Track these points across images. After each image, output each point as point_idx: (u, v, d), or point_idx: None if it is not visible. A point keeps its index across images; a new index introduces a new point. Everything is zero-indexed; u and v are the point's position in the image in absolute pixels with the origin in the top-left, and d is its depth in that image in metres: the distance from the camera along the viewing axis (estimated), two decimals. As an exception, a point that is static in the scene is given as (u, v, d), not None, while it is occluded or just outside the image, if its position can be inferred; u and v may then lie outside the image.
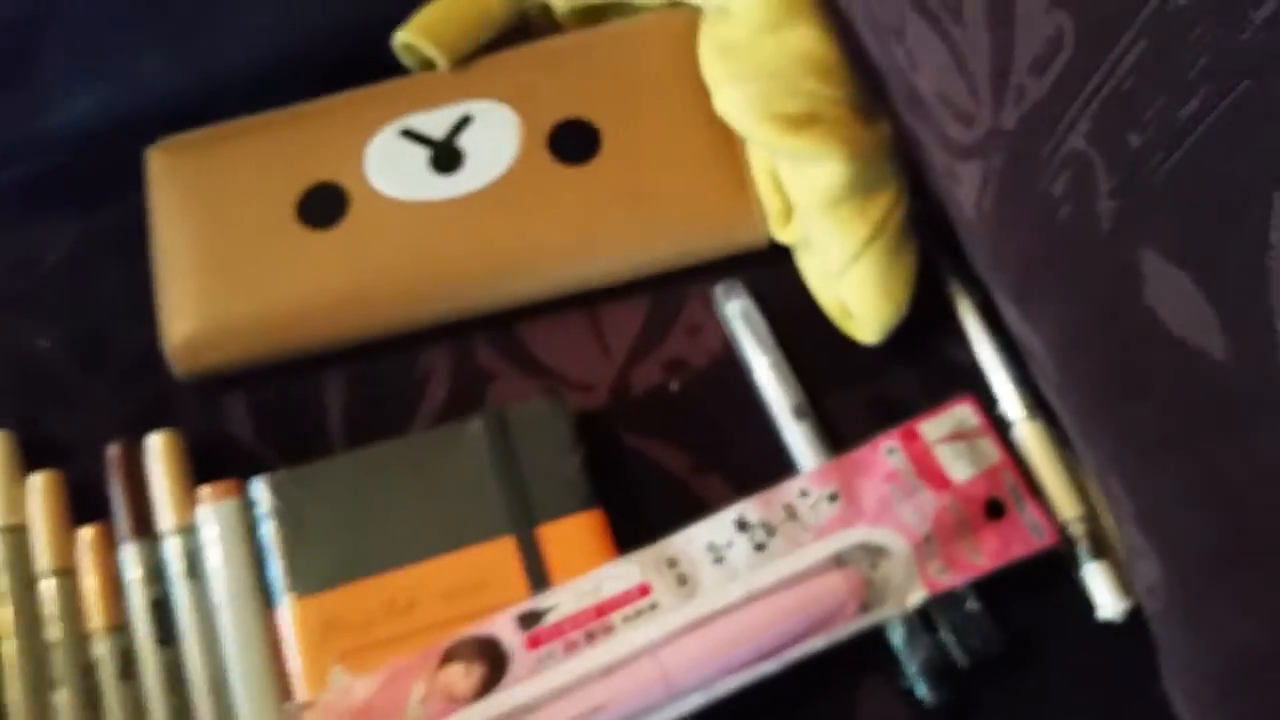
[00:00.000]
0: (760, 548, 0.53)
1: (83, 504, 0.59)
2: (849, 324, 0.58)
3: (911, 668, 0.54)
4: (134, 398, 0.62)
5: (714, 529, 0.53)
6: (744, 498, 0.55)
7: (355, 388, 0.62)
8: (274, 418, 0.61)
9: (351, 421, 0.61)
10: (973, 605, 0.54)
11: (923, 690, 0.53)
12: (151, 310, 0.62)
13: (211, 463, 0.59)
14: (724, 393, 0.60)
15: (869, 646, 0.54)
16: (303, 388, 0.62)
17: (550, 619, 0.52)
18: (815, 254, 0.58)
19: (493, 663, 0.51)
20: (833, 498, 0.54)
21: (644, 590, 0.52)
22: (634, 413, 0.60)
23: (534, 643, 0.52)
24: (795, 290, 0.61)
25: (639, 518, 0.56)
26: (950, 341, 0.59)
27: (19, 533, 0.58)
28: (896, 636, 0.54)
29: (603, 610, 0.52)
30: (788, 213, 0.59)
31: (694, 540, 0.53)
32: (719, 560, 0.53)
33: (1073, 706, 0.54)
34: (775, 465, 0.57)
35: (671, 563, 0.53)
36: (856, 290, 0.56)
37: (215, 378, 0.62)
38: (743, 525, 0.53)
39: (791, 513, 0.53)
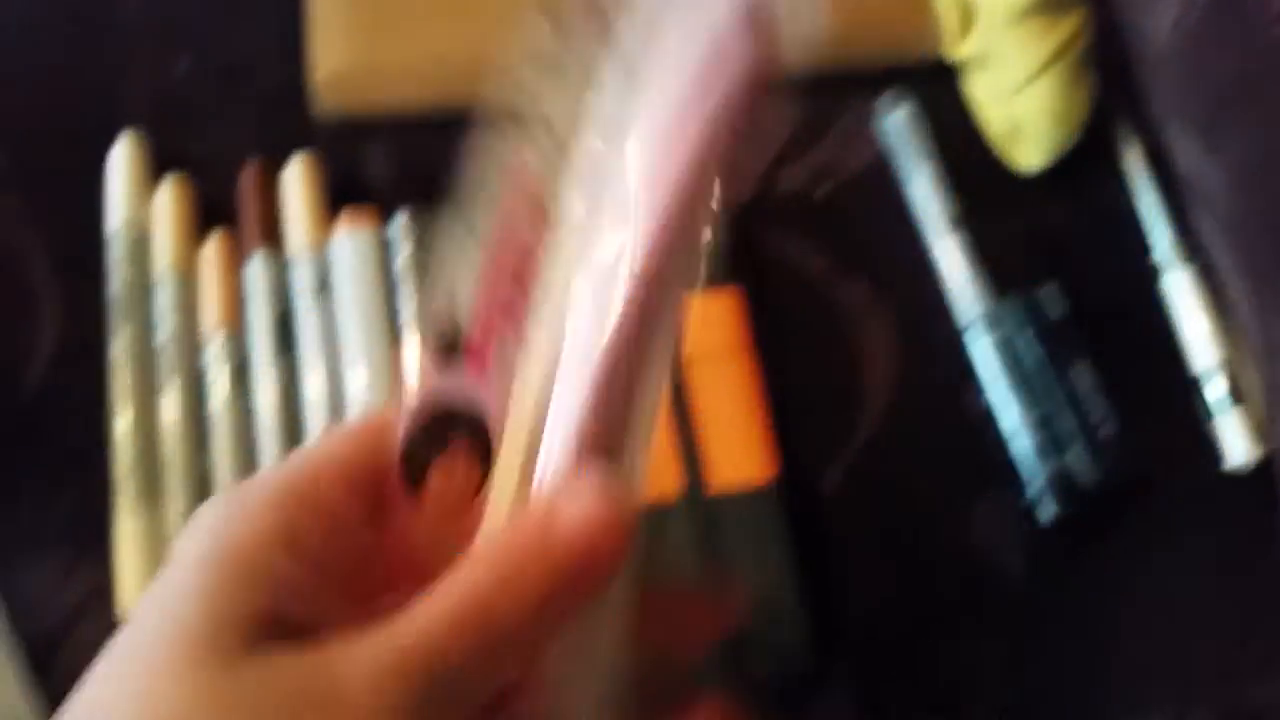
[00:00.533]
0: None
1: (213, 220, 0.58)
2: (1013, 148, 0.58)
3: (1036, 484, 0.53)
4: (273, 128, 0.61)
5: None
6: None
7: (500, 151, 0.61)
8: (414, 168, 0.61)
9: (491, 183, 0.60)
10: (1107, 430, 0.53)
11: (1044, 506, 0.53)
12: (299, 49, 0.61)
13: (345, 203, 0.58)
14: (871, 203, 0.59)
15: (991, 462, 0.54)
16: (447, 144, 0.61)
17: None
18: (992, 70, 0.57)
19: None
20: None
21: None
22: (775, 212, 0.59)
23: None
24: (955, 114, 0.60)
25: (770, 313, 0.55)
26: (1109, 184, 0.59)
27: (142, 231, 0.57)
28: (1023, 452, 0.53)
29: None
30: (964, 28, 0.59)
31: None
32: None
33: (1185, 547, 0.54)
34: (920, 276, 0.57)
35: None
36: (1032, 109, 0.56)
37: (358, 121, 0.61)
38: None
39: None
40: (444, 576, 0.28)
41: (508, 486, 0.31)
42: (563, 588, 0.28)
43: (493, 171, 0.32)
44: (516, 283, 0.32)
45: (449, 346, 0.32)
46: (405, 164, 0.60)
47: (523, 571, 0.27)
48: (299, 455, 0.32)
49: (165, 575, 0.28)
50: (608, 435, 0.30)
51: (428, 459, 0.32)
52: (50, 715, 0.51)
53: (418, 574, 0.29)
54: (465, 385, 0.32)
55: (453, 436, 0.32)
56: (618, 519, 0.28)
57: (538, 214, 0.32)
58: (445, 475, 0.32)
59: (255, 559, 0.28)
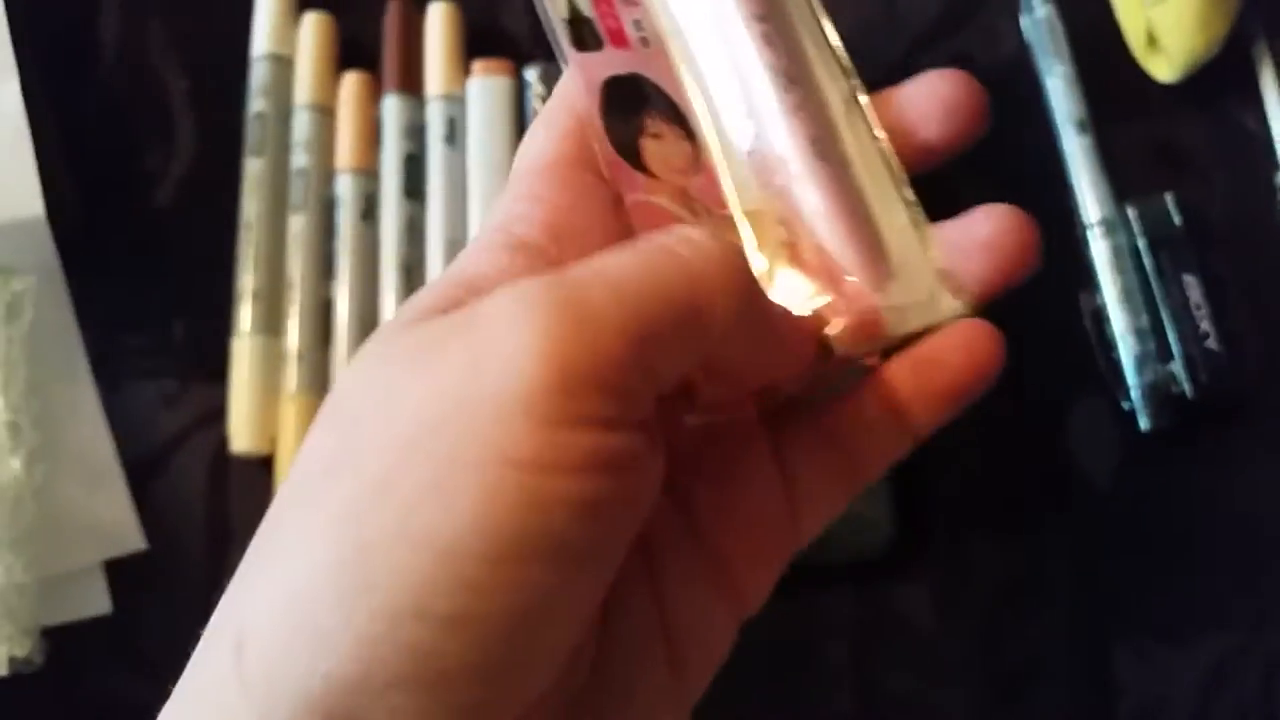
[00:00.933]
0: None
1: (352, 59, 0.59)
2: (1151, 59, 0.57)
3: (1136, 391, 0.53)
4: (417, -28, 0.62)
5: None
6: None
7: (635, 13, 0.61)
8: (550, 23, 0.61)
9: (625, 44, 0.61)
10: (1212, 345, 0.53)
11: (1142, 414, 0.53)
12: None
13: (481, 54, 0.59)
14: (1005, 96, 0.58)
15: (1095, 365, 0.54)
16: (583, 1, 0.62)
17: None
18: (1137, -25, 0.57)
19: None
20: None
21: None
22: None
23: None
24: (1099, 16, 0.59)
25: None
26: (1245, 106, 0.58)
27: (283, 63, 0.59)
28: (1128, 358, 0.54)
29: None
30: (1115, -69, 0.58)
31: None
32: None
33: (1278, 468, 0.54)
34: (1045, 175, 0.57)
35: None
36: (1174, 16, 0.55)
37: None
38: None
39: None
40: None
41: (714, 149, 0.33)
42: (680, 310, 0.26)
43: None
44: None
45: (584, 34, 0.33)
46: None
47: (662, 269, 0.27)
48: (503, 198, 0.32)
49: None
50: (792, 66, 0.34)
51: (633, 137, 0.33)
52: (150, 533, 0.53)
53: None
54: (622, 61, 0.33)
55: (644, 111, 0.33)
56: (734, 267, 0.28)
57: None
58: (656, 145, 0.33)
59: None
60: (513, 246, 0.30)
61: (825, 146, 0.34)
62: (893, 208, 0.35)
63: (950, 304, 0.34)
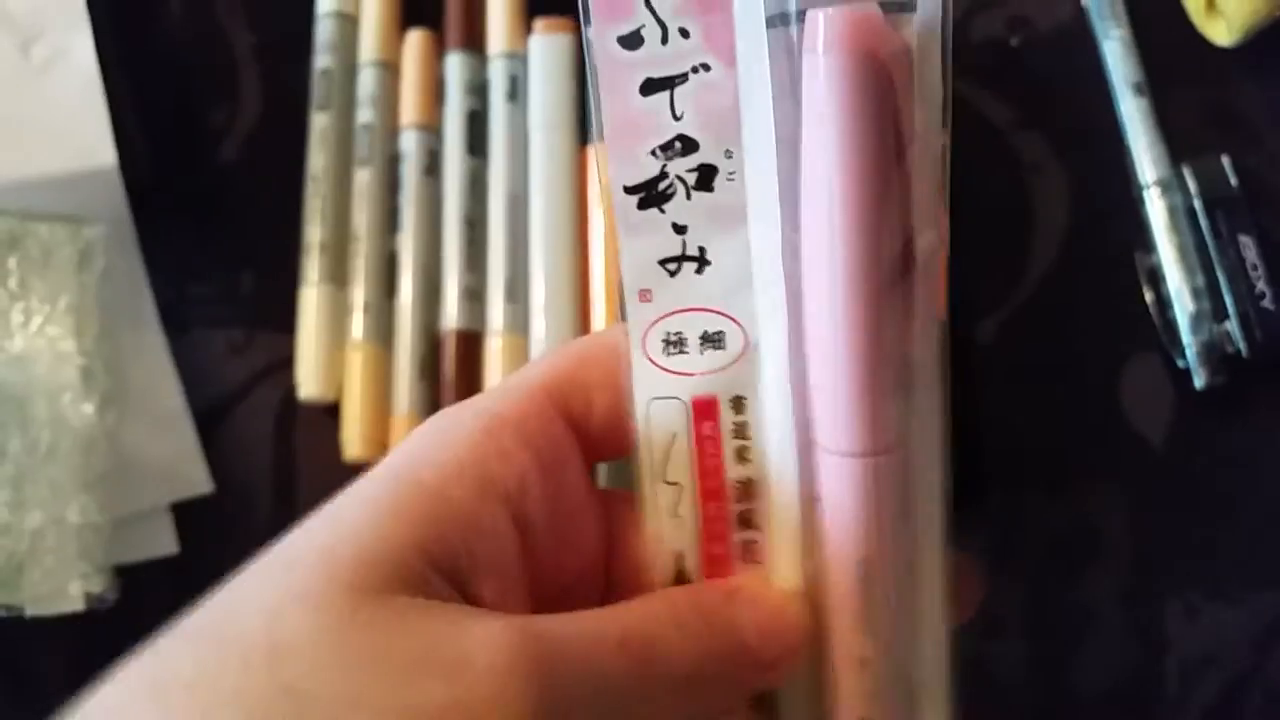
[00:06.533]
0: None
1: (415, 17, 0.60)
2: (1209, 23, 0.58)
3: (1191, 350, 0.54)
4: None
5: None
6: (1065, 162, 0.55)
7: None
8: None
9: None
10: (1269, 304, 0.54)
11: (1196, 373, 0.54)
12: None
13: (543, 10, 0.60)
14: (1063, 59, 0.59)
15: (1151, 325, 0.55)
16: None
17: None
18: (1198, -62, 0.57)
19: None
20: None
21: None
22: (966, 59, 0.60)
23: None
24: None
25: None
26: (1303, 67, 0.59)
27: (348, 21, 0.59)
28: (1183, 317, 0.54)
29: None
30: (1176, -105, 0.59)
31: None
32: None
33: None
34: (1102, 136, 0.57)
35: None
36: (1231, -19, 0.55)
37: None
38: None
39: None
40: (623, 603, 0.27)
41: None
42: (723, 674, 0.27)
43: None
44: None
45: None
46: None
47: (698, 637, 0.27)
48: (522, 375, 0.29)
49: (353, 488, 0.28)
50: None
51: None
52: (216, 478, 0.54)
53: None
54: None
55: None
56: (797, 629, 0.28)
57: None
58: None
59: (440, 491, 0.27)
60: (485, 491, 0.27)
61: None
62: None
63: None
